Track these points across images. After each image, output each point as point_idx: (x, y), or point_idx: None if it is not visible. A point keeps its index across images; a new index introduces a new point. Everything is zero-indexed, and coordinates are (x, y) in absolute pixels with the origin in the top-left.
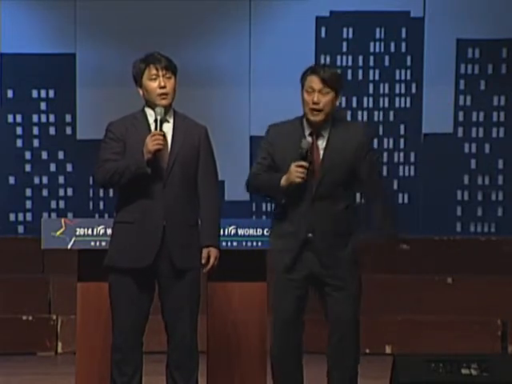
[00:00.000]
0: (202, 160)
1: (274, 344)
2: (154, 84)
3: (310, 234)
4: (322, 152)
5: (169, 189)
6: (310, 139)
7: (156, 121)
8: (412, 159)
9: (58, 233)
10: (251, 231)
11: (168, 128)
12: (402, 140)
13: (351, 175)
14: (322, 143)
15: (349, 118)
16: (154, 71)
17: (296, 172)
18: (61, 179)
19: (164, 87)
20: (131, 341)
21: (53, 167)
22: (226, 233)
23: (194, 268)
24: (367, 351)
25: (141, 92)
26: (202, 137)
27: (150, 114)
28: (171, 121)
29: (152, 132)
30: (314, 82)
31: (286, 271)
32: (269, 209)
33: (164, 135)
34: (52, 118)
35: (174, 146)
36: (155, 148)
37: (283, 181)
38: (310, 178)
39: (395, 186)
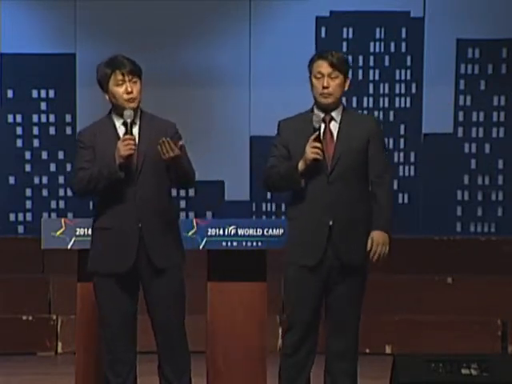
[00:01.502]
0: None
1: (289, 344)
2: (121, 89)
3: (330, 223)
4: (335, 134)
5: (141, 190)
6: (322, 121)
7: (126, 124)
8: (412, 159)
9: (58, 233)
10: (251, 231)
11: (135, 130)
12: (401, 140)
13: (364, 160)
14: (334, 127)
15: None
16: (120, 76)
17: (311, 148)
18: (61, 179)
19: (131, 92)
20: (121, 341)
21: (53, 167)
22: (226, 233)
23: (174, 266)
24: (367, 351)
25: (107, 97)
26: (169, 132)
27: (117, 119)
28: (138, 122)
29: (123, 137)
30: (323, 66)
31: (309, 270)
32: (269, 209)
33: (134, 138)
34: (52, 117)
35: (141, 146)
36: (127, 153)
37: (301, 164)
38: (324, 161)
39: (395, 186)
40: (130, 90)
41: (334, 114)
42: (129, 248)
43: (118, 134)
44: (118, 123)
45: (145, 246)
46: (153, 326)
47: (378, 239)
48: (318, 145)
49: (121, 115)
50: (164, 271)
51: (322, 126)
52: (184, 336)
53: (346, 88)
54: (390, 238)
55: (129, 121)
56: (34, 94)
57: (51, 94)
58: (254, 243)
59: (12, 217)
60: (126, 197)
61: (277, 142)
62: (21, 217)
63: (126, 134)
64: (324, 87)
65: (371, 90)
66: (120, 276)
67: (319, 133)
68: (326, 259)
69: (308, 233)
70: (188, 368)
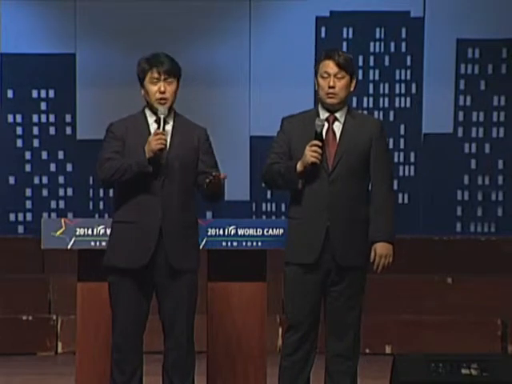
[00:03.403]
0: (204, 159)
1: (289, 344)
2: (155, 88)
3: (328, 223)
4: (338, 135)
5: (167, 188)
6: (325, 122)
7: (159, 120)
8: (412, 159)
9: (58, 233)
10: (251, 231)
11: (168, 127)
12: (401, 140)
13: (366, 161)
14: (338, 128)
15: None
16: (156, 75)
17: (310, 152)
18: (61, 179)
19: (163, 92)
20: (131, 340)
21: (53, 167)
22: (226, 233)
23: (191, 269)
24: (367, 351)
25: (142, 92)
26: (201, 138)
27: (150, 115)
28: (171, 122)
29: (155, 131)
30: (330, 66)
31: (308, 270)
32: (269, 209)
33: (166, 134)
34: (52, 118)
35: (173, 146)
36: (158, 147)
37: (299, 165)
38: (325, 161)
39: (395, 186)
40: (162, 89)
41: (338, 114)
42: (147, 245)
43: (149, 131)
44: (151, 120)
45: (163, 245)
46: (163, 328)
47: (381, 251)
48: (319, 150)
49: (154, 112)
50: (181, 273)
51: (325, 127)
52: (192, 340)
53: (352, 89)
54: (394, 246)
55: (162, 117)
56: (34, 93)
57: (51, 93)
58: (254, 243)
59: (12, 217)
60: (152, 194)
61: (279, 138)
62: (21, 217)
63: (158, 128)
64: (330, 87)
65: (371, 90)
66: (136, 272)
67: (321, 137)
68: (324, 259)
69: (306, 233)
70: (192, 371)
